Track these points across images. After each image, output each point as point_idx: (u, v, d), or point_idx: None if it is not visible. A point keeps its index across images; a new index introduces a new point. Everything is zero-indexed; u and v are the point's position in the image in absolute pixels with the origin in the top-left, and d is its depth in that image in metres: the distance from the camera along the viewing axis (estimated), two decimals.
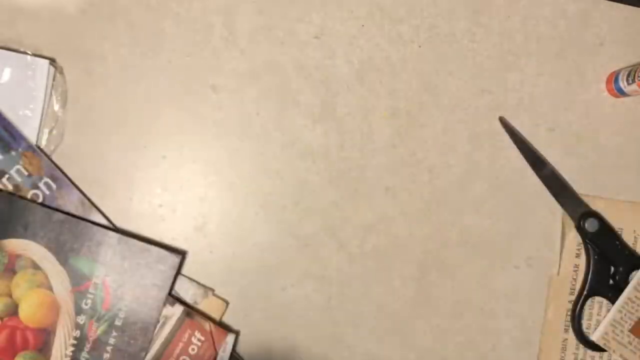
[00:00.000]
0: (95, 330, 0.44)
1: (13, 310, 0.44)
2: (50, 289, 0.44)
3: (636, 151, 0.51)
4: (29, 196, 0.45)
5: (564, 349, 0.49)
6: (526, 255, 0.50)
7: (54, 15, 0.47)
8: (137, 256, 0.45)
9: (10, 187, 0.45)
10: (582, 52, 0.51)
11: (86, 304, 0.44)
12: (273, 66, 0.48)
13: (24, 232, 0.44)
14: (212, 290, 0.48)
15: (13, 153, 0.45)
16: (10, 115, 0.45)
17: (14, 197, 0.44)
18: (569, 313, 0.49)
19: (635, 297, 0.48)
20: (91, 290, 0.44)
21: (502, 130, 0.50)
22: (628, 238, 0.50)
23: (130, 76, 0.47)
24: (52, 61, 0.46)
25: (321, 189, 0.49)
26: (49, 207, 0.45)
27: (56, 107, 0.46)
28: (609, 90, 0.51)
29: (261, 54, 0.48)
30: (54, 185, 0.45)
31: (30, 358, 0.44)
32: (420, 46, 0.50)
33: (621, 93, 0.49)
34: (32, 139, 0.45)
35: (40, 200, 0.45)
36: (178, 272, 0.46)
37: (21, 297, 0.44)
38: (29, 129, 0.45)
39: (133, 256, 0.45)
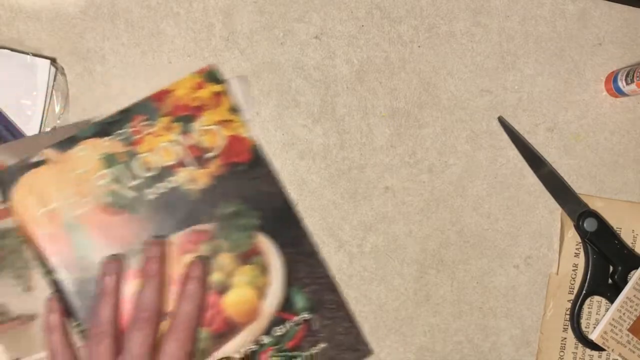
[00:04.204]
0: (267, 358, 0.44)
1: (222, 289, 0.44)
2: (262, 297, 0.44)
3: (635, 151, 0.51)
4: None
5: (563, 348, 0.49)
6: (525, 255, 0.50)
7: (54, 15, 0.47)
8: None
9: None
10: (581, 52, 0.51)
11: (275, 332, 0.44)
12: (273, 66, 0.48)
13: (278, 241, 0.45)
14: None
15: None
16: (11, 115, 0.45)
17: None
18: (568, 312, 0.50)
19: (634, 296, 0.48)
20: (290, 323, 0.45)
21: (501, 130, 0.50)
22: (627, 237, 0.50)
23: (130, 76, 0.48)
24: (53, 61, 0.46)
25: (321, 188, 0.49)
26: (317, 257, 0.46)
27: (57, 107, 0.46)
28: (607, 90, 0.51)
29: (261, 54, 0.48)
30: None
31: (201, 334, 0.43)
32: (419, 46, 0.50)
33: (620, 93, 0.50)
34: None
35: None
36: None
37: (236, 284, 0.44)
38: (30, 129, 0.45)
39: None
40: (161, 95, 0.45)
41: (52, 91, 0.46)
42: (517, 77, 0.51)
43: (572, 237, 0.50)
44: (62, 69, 0.46)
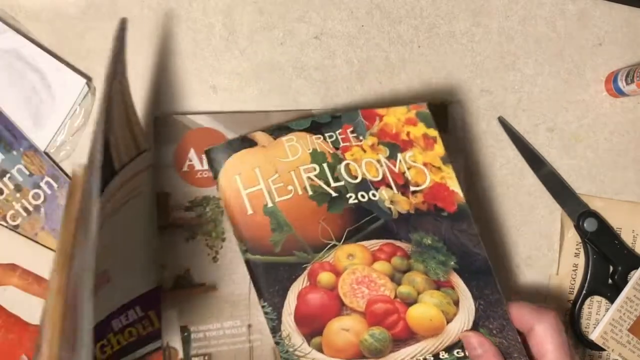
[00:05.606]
0: None
1: (409, 301, 0.43)
2: (446, 321, 0.43)
3: (635, 151, 0.51)
4: (29, 195, 0.45)
5: None
6: (525, 255, 0.50)
7: (54, 15, 0.47)
8: None
9: (11, 187, 0.45)
10: (581, 52, 0.51)
11: (455, 353, 0.43)
12: (273, 66, 0.48)
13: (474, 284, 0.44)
14: None
15: (14, 153, 0.45)
16: (25, 120, 0.44)
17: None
18: (568, 312, 0.50)
19: (634, 296, 0.48)
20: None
21: (502, 130, 0.50)
22: (627, 237, 0.50)
23: (130, 76, 0.47)
24: (89, 80, 0.46)
25: None
26: (509, 322, 0.43)
27: (76, 123, 0.45)
28: (607, 90, 0.51)
29: (261, 54, 0.48)
30: (55, 185, 0.45)
31: (380, 334, 0.43)
32: (419, 46, 0.50)
33: (620, 93, 0.50)
34: (42, 144, 0.45)
35: (41, 200, 0.45)
36: None
37: (424, 302, 0.43)
38: (40, 139, 0.45)
39: None
40: (370, 115, 0.44)
41: (77, 107, 0.45)
42: (517, 77, 0.51)
43: (572, 237, 0.50)
44: (95, 89, 0.46)
